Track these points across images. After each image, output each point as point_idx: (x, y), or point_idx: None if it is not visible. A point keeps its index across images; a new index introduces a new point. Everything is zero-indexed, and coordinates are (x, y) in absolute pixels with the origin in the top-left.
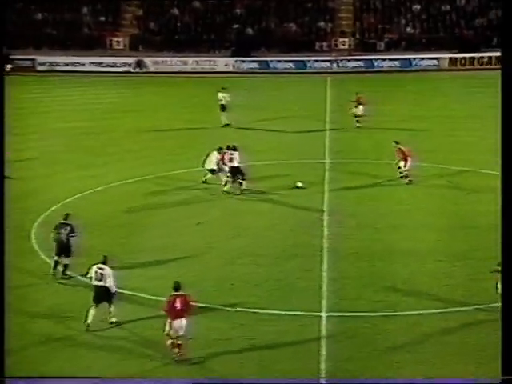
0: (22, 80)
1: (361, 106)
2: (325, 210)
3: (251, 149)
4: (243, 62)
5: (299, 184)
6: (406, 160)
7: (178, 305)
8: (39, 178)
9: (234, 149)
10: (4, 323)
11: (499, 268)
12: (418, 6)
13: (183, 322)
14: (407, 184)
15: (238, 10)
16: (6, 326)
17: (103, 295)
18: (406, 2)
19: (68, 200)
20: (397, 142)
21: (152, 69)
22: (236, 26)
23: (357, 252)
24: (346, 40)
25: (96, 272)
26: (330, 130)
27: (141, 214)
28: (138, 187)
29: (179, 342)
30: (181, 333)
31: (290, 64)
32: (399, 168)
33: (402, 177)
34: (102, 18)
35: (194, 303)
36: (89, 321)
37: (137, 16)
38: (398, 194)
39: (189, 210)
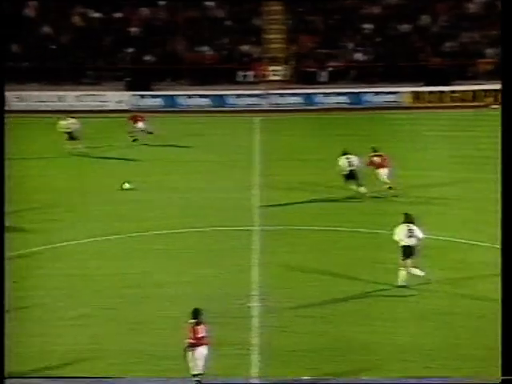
0: None
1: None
2: (254, 293)
3: (155, 213)
4: (142, 97)
5: (126, 185)
6: (382, 168)
7: None
8: None
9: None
10: (4, 323)
11: None
12: (371, 26)
13: None
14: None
15: (133, 29)
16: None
17: None
18: (355, 21)
19: None
20: (375, 150)
21: (15, 107)
22: (131, 49)
23: (296, 350)
24: (278, 69)
25: None
26: (261, 186)
27: None
28: None
29: None
30: None
31: (205, 100)
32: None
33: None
34: None
35: None
36: None
37: None
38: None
39: None
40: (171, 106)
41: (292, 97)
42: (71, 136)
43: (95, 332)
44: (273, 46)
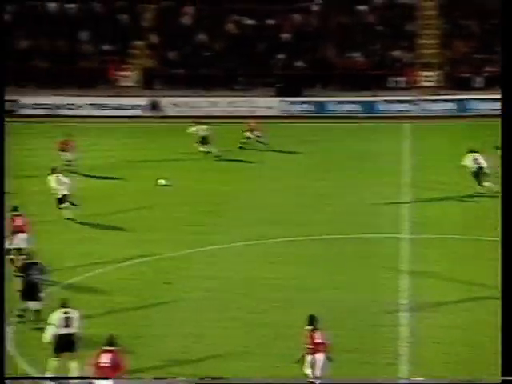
0: None
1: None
2: (402, 301)
3: (302, 218)
4: (292, 103)
5: (162, 182)
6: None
7: (105, 360)
8: None
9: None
10: (4, 324)
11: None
12: None
13: None
14: None
15: (284, 35)
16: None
17: (67, 344)
18: None
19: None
20: (498, 148)
21: (171, 112)
22: (282, 56)
23: (448, 362)
24: (431, 74)
25: (61, 318)
26: (410, 193)
27: None
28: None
29: None
30: None
31: (355, 106)
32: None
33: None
34: (106, 47)
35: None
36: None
37: (151, 43)
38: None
39: None
40: (321, 112)
41: (445, 103)
42: (203, 140)
43: (240, 334)
44: (426, 51)
